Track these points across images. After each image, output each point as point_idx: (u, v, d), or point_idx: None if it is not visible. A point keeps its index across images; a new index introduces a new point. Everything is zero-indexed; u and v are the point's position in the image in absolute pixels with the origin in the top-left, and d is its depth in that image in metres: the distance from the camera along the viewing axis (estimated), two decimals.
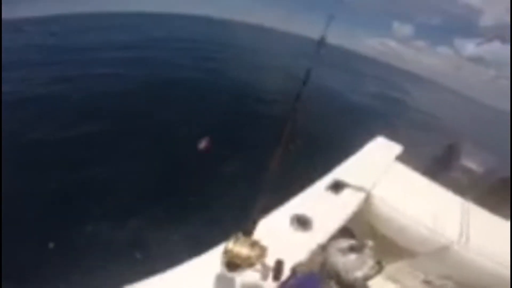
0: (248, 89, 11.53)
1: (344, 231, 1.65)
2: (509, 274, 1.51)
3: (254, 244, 1.15)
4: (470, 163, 3.51)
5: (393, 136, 2.87)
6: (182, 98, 9.12)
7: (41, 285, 2.92)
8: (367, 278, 1.03)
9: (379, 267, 1.05)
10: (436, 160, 4.06)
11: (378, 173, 2.16)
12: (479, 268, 1.60)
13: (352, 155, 2.41)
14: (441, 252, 1.68)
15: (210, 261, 1.21)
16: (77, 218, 3.81)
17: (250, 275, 1.15)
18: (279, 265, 1.07)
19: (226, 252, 1.12)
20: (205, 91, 10.24)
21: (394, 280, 1.84)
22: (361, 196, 1.90)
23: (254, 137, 6.97)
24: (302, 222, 1.55)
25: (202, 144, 1.28)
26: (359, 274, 1.02)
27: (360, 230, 1.81)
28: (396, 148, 2.65)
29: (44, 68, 10.37)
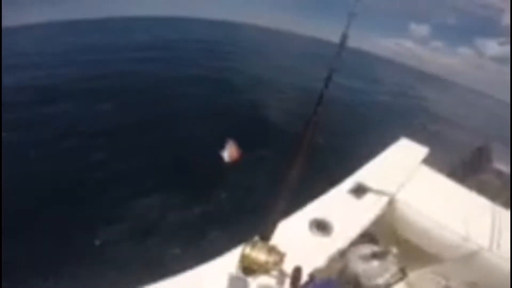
0: (262, 88, 11.67)
1: (366, 236, 1.59)
2: None
3: (272, 250, 1.13)
4: (501, 165, 3.32)
5: (415, 137, 2.75)
6: (198, 96, 9.53)
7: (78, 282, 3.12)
8: (388, 285, 1.00)
9: (402, 274, 1.02)
10: (464, 163, 3.87)
11: (402, 176, 2.07)
12: (508, 274, 1.50)
13: (374, 157, 2.31)
14: (469, 258, 1.59)
15: (227, 264, 1.20)
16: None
17: (267, 281, 1.13)
18: (297, 273, 1.04)
19: (243, 257, 1.12)
20: (220, 90, 10.62)
21: (415, 286, 1.77)
22: (384, 200, 1.83)
23: (269, 135, 7.01)
24: (321, 227, 1.51)
25: (228, 152, 1.15)
26: (380, 281, 0.99)
27: (383, 235, 1.74)
28: (422, 151, 2.52)
29: (68, 67, 11.30)
